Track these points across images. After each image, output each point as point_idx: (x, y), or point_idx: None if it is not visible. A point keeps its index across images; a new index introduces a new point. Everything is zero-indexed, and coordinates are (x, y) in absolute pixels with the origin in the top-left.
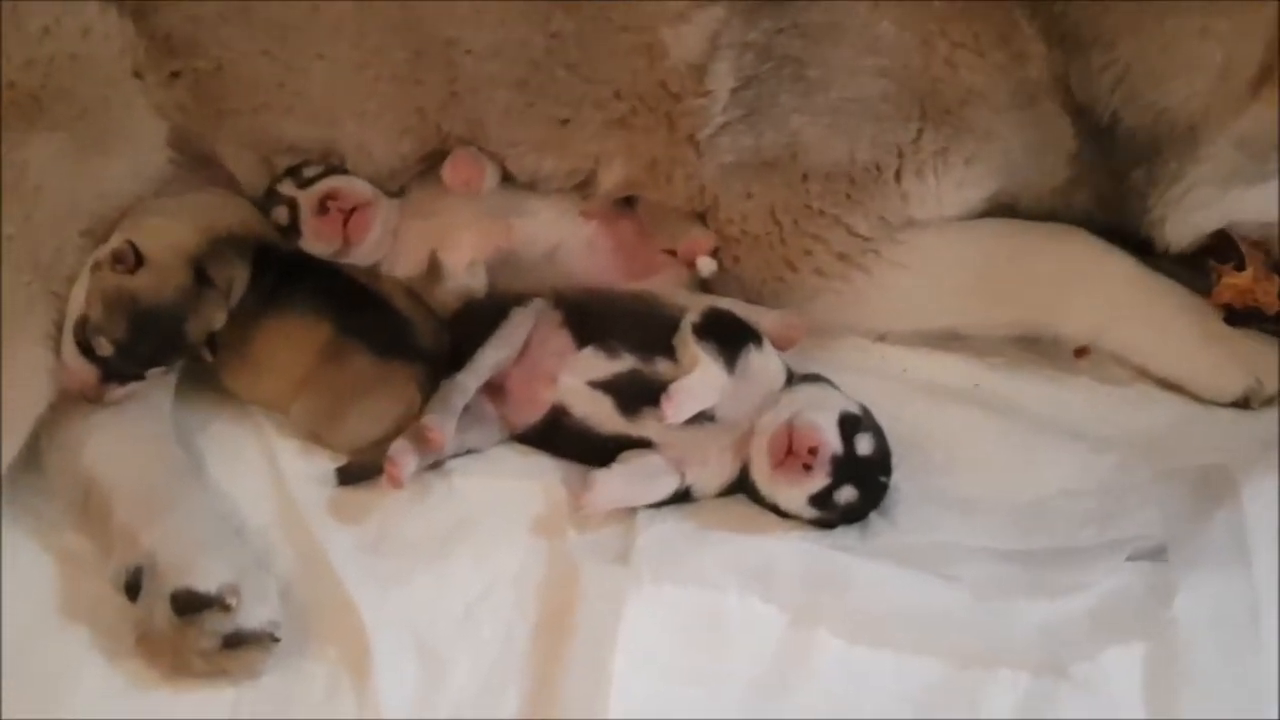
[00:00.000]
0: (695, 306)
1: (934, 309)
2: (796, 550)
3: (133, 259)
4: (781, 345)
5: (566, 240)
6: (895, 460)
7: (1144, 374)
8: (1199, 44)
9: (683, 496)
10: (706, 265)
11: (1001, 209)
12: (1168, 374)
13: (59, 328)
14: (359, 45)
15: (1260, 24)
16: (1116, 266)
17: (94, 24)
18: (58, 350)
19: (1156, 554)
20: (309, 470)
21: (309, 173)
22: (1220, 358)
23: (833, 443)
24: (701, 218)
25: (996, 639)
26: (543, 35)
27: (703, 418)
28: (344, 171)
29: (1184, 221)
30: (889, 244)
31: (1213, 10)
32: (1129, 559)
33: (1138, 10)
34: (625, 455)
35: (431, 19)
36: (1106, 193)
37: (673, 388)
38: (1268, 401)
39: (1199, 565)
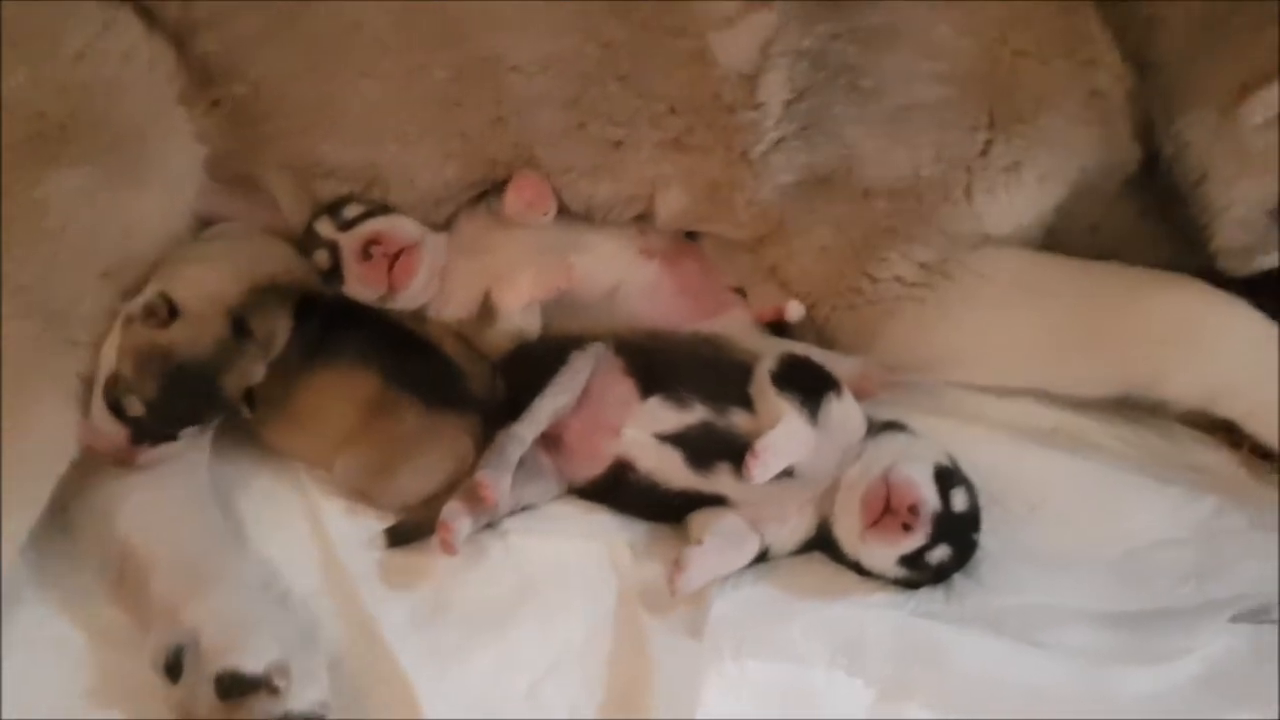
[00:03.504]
0: (769, 352)
1: (1024, 349)
2: (884, 619)
3: (165, 312)
4: (860, 395)
5: (627, 280)
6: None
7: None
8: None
9: (760, 558)
10: (795, 310)
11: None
12: None
13: (83, 380)
14: (400, 63)
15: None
16: (1239, 324)
17: (138, 48)
18: (84, 406)
19: (1260, 615)
20: (356, 533)
21: (350, 213)
22: None
23: (931, 499)
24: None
25: (1097, 711)
26: (595, 45)
27: (783, 473)
28: (387, 211)
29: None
30: (971, 255)
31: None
32: (1232, 620)
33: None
34: (698, 516)
35: (475, 32)
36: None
37: (759, 444)
38: None
39: None
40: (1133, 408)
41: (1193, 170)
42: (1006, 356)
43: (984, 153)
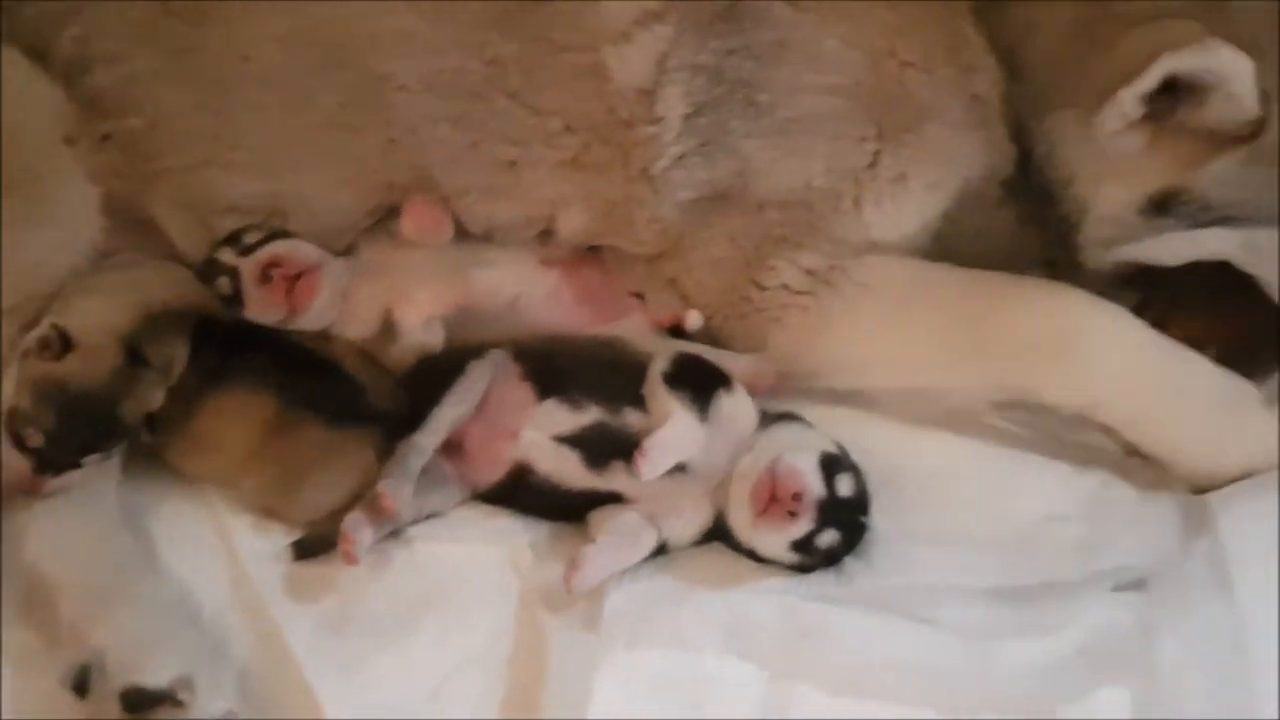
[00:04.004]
0: (663, 352)
1: (908, 356)
2: (774, 603)
3: (59, 344)
4: (753, 390)
5: (527, 291)
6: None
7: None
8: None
9: (659, 551)
10: (695, 319)
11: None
12: (1159, 454)
13: None
14: (289, 93)
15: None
16: (1123, 335)
17: (22, 91)
18: None
19: (1140, 585)
20: (265, 547)
21: (250, 239)
22: (1216, 451)
23: (815, 486)
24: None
25: (983, 684)
26: (480, 61)
27: (676, 468)
28: (287, 235)
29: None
30: (855, 263)
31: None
32: (1114, 590)
33: (1046, 24)
34: (597, 514)
35: (359, 55)
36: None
37: (646, 443)
38: None
39: (1182, 597)
40: None
41: (1061, 169)
42: (888, 364)
43: (872, 164)
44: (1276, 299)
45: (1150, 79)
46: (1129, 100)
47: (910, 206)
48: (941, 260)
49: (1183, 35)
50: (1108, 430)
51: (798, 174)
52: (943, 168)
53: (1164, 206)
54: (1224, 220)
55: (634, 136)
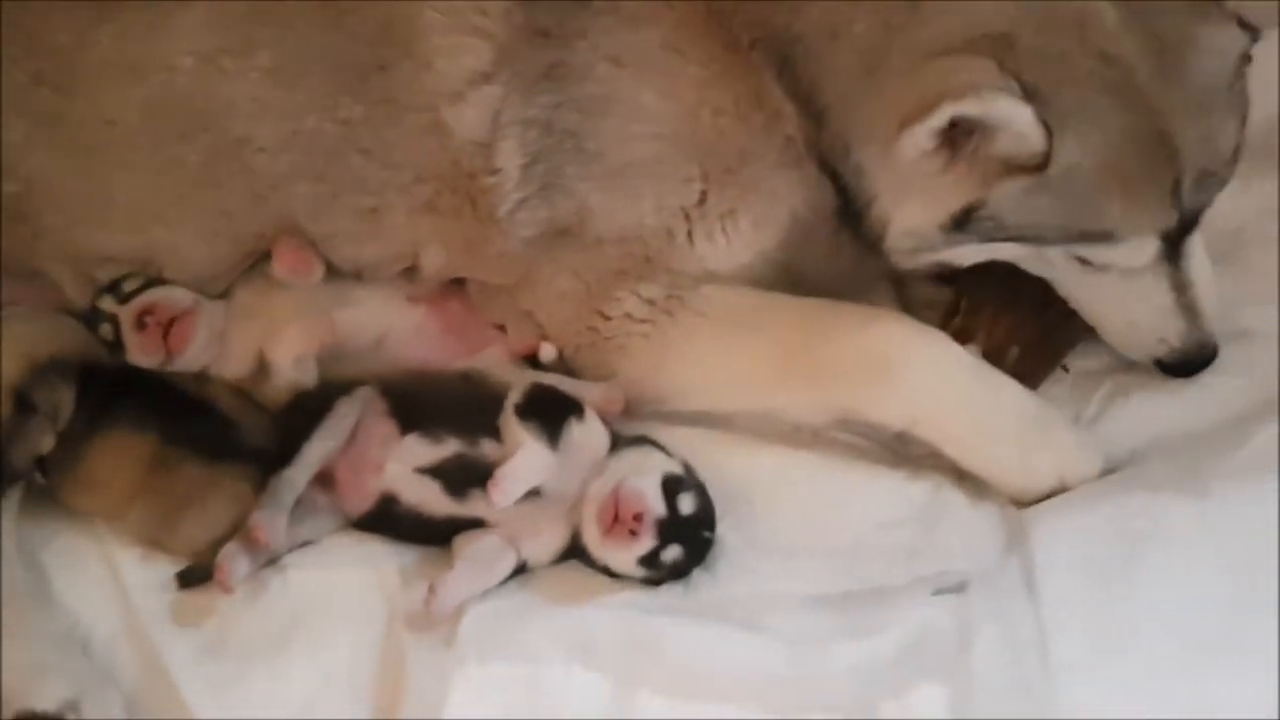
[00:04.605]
0: (519, 384)
1: (742, 380)
2: (616, 617)
3: None
4: (606, 415)
5: (395, 326)
6: (720, 512)
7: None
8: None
9: (519, 570)
10: (548, 352)
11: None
12: (976, 470)
13: None
14: (155, 154)
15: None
16: (937, 357)
17: None
18: None
19: (960, 589)
20: (151, 578)
21: (128, 286)
22: (1027, 467)
23: (656, 507)
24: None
25: (810, 685)
26: (333, 123)
27: (533, 492)
28: (163, 282)
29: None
30: (693, 293)
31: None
32: (936, 593)
33: (840, 67)
34: (460, 538)
35: (219, 120)
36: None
37: (498, 473)
38: None
39: (995, 601)
40: None
41: (867, 194)
42: (725, 388)
43: (701, 202)
44: (1069, 302)
45: (935, 121)
46: (922, 135)
47: (742, 240)
48: (796, 280)
49: (969, 77)
50: (933, 452)
51: (630, 213)
52: (767, 203)
53: (963, 223)
54: (1018, 239)
55: (478, 185)
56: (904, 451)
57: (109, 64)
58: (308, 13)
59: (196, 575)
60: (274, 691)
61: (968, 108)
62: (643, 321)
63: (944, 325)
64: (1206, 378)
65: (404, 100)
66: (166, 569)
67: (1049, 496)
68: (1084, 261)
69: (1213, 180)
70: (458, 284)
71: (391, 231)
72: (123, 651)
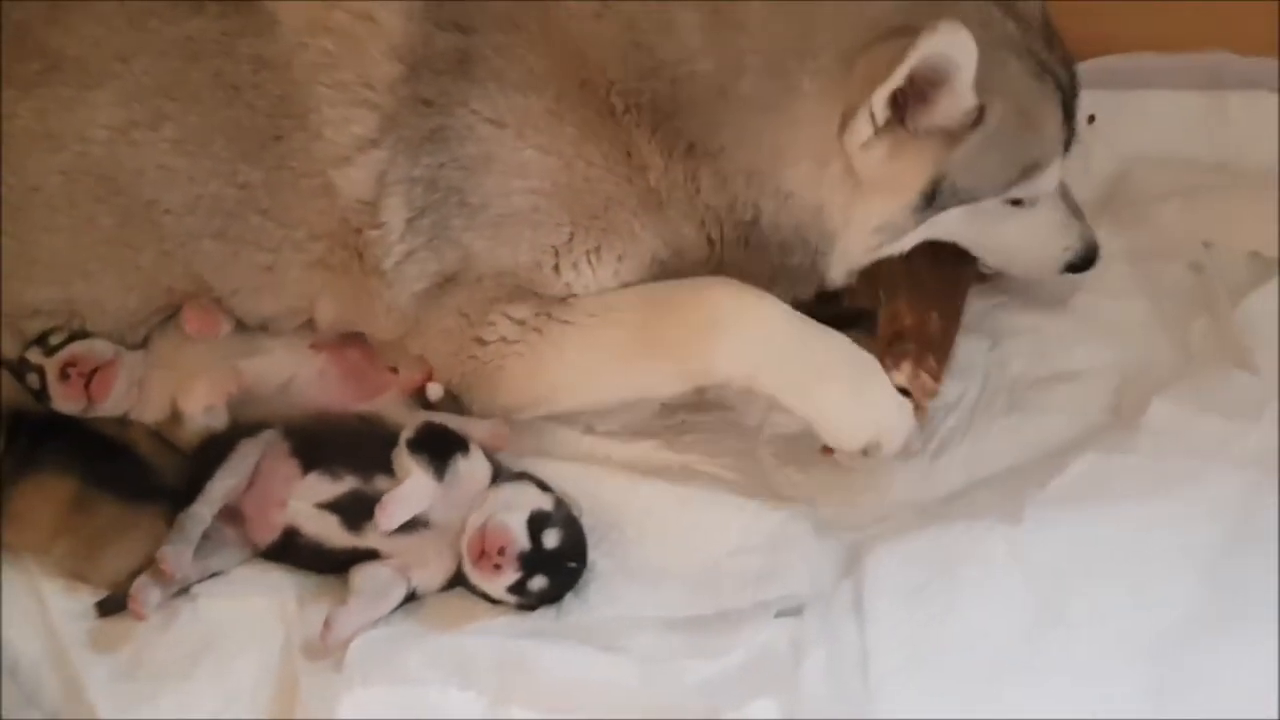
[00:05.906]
0: (412, 423)
1: (607, 370)
2: (490, 640)
3: None
4: (492, 449)
5: (300, 373)
6: (596, 539)
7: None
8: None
9: (410, 598)
10: (434, 391)
11: None
12: (807, 417)
13: None
14: (73, 216)
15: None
16: (762, 311)
17: None
18: None
19: (798, 612)
20: (73, 607)
21: (54, 340)
22: (853, 409)
23: (520, 541)
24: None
25: (660, 700)
26: (233, 187)
27: (419, 524)
28: (86, 335)
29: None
30: (557, 307)
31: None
32: (778, 615)
33: (738, 113)
34: (356, 569)
35: (130, 186)
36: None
37: (385, 498)
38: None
39: (827, 623)
40: (740, 440)
41: (806, 211)
42: (594, 380)
43: (569, 241)
44: (985, 267)
45: (897, 79)
46: (879, 103)
47: (605, 271)
48: None
49: (905, 39)
50: (772, 401)
51: (508, 256)
52: (627, 243)
53: (931, 197)
54: (968, 200)
55: (364, 240)
56: (769, 480)
57: (32, 135)
58: (210, 89)
59: (114, 604)
60: (183, 710)
61: (927, 48)
62: (516, 342)
63: (880, 318)
64: (1037, 417)
65: (297, 166)
66: (88, 599)
67: (864, 455)
68: (1015, 203)
69: (1080, 88)
70: (358, 333)
71: (288, 286)
72: (47, 674)
